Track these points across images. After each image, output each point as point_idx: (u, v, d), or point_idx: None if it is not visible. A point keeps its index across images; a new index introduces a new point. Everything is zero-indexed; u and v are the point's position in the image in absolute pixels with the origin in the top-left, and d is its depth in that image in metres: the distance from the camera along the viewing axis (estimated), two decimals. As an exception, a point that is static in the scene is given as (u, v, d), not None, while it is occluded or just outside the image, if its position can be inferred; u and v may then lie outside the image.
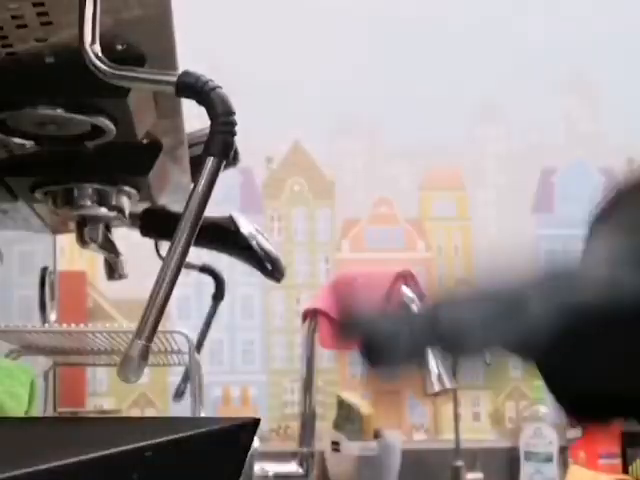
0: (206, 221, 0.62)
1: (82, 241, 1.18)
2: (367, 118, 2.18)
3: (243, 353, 2.13)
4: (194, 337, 1.21)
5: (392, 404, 2.16)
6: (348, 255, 2.16)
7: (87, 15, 0.64)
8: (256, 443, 1.61)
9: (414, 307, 0.66)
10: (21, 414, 0.80)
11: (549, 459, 2.01)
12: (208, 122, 0.61)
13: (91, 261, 2.04)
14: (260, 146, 2.08)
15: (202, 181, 0.59)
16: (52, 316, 1.64)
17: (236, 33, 2.12)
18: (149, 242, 1.41)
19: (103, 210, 1.11)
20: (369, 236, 2.17)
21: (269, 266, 1.28)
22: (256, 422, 0.54)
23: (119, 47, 0.75)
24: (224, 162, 0.60)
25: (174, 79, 0.62)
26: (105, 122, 0.85)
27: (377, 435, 1.95)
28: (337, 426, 1.99)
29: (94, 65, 0.63)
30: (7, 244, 1.35)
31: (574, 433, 2.01)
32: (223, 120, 0.59)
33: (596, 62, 2.21)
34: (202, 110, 0.60)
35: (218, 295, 1.62)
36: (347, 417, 1.98)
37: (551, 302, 0.60)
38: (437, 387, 1.64)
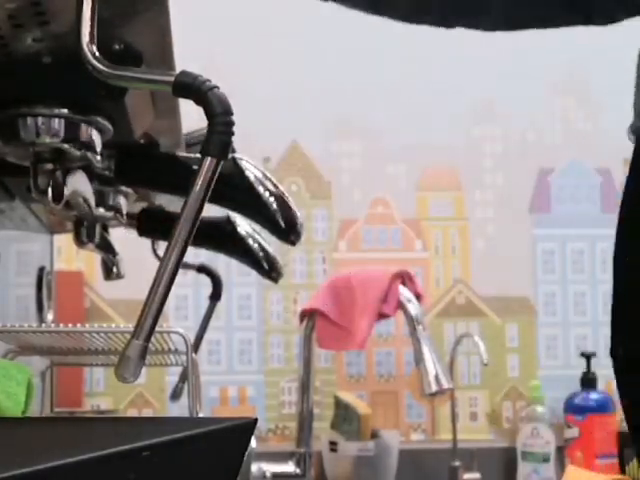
0: (203, 221, 0.62)
1: (79, 241, 1.18)
2: (364, 118, 2.18)
3: (240, 353, 2.13)
4: (191, 337, 1.21)
5: (389, 404, 2.16)
6: (345, 255, 2.16)
7: (85, 15, 0.64)
8: (253, 443, 1.61)
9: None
10: (18, 414, 0.80)
11: (546, 459, 2.01)
12: (206, 122, 0.61)
13: (88, 261, 2.03)
14: (257, 146, 2.07)
15: (199, 181, 0.59)
16: (49, 316, 1.64)
17: (234, 33, 2.12)
18: (146, 242, 1.41)
19: (100, 210, 1.11)
20: (366, 236, 2.17)
21: (266, 266, 1.28)
22: (254, 422, 0.54)
23: (116, 47, 0.75)
24: (222, 162, 0.60)
25: (171, 79, 0.62)
26: (102, 122, 0.85)
27: (374, 435, 1.95)
28: (334, 426, 1.99)
29: (92, 65, 0.63)
30: (4, 244, 1.35)
31: (571, 433, 2.01)
32: (221, 120, 0.59)
33: (593, 62, 2.21)
34: (200, 110, 0.60)
35: (215, 295, 1.62)
36: (344, 417, 1.98)
37: None
38: (434, 387, 1.64)
